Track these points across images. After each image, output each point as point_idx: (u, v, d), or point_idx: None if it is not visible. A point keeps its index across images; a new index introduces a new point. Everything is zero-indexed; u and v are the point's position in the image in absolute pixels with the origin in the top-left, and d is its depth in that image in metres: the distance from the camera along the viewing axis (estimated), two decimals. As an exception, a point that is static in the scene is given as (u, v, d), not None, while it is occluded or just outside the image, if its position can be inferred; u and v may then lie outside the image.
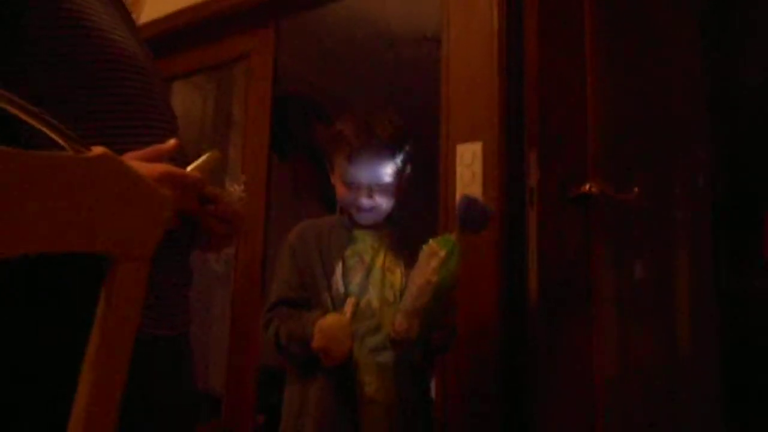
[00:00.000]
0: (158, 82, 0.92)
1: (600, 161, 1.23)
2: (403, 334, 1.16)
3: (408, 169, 1.40)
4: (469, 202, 1.19)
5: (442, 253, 1.12)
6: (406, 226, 1.51)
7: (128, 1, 1.06)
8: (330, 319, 1.23)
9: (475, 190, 1.73)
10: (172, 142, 0.77)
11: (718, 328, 2.12)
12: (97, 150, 0.57)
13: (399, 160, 1.35)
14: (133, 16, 1.07)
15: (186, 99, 3.55)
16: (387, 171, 1.31)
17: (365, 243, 1.39)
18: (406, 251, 1.35)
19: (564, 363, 1.17)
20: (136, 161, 0.70)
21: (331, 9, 2.59)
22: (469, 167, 1.86)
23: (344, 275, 1.34)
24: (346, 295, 1.32)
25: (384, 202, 1.35)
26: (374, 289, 1.33)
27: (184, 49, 2.82)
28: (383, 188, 1.32)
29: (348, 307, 1.25)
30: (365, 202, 1.32)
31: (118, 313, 0.59)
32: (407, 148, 1.38)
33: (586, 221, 1.19)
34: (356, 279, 1.34)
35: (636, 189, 1.18)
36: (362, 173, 1.30)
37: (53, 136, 0.58)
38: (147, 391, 0.78)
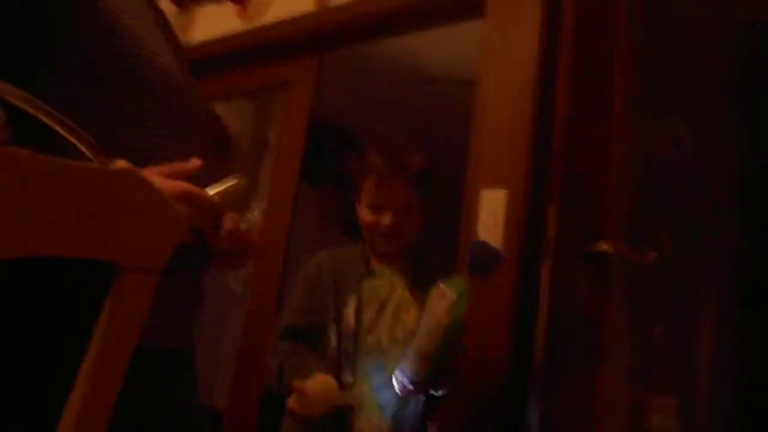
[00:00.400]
0: (192, 99, 0.95)
1: (620, 220, 1.22)
2: (413, 377, 1.15)
3: (429, 204, 1.43)
4: (481, 245, 1.20)
5: (453, 296, 1.12)
6: (426, 266, 1.52)
7: (176, 23, 1.12)
8: (313, 384, 1.22)
9: (497, 237, 1.74)
10: (196, 162, 0.79)
11: (735, 406, 2.05)
12: (120, 164, 0.60)
13: (422, 191, 1.40)
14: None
15: (225, 120, 3.64)
16: (410, 198, 1.36)
17: (383, 278, 1.41)
18: (423, 290, 1.35)
19: (563, 425, 1.15)
20: (157, 176, 0.72)
21: (374, 45, 2.65)
22: (492, 214, 1.87)
23: (358, 309, 1.35)
24: (356, 331, 1.32)
25: (405, 228, 1.37)
26: (385, 326, 1.34)
27: (230, 71, 2.90)
28: (405, 214, 1.37)
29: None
30: (388, 222, 1.36)
31: (120, 322, 0.61)
32: (431, 183, 1.42)
33: (601, 279, 1.18)
34: (369, 314, 1.35)
35: (653, 252, 1.17)
36: (387, 195, 1.35)
37: (82, 147, 0.61)
38: (149, 401, 0.79)
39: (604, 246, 1.15)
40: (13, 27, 0.75)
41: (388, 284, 1.38)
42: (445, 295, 1.13)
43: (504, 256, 1.22)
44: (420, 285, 1.37)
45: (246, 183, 0.89)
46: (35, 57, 0.77)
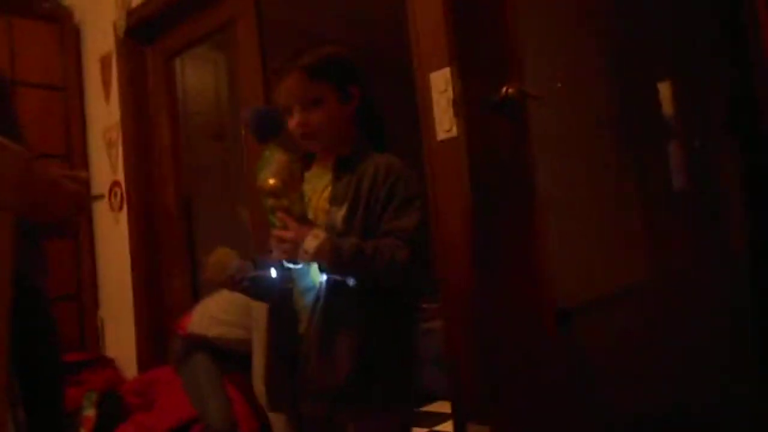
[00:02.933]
0: None
1: (519, 64, 1.21)
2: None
3: (347, 96, 1.36)
4: (261, 111, 1.29)
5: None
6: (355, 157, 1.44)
7: None
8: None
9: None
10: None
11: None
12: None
13: (332, 80, 1.32)
14: None
15: (198, 74, 3.65)
16: (312, 91, 1.30)
17: (309, 182, 1.38)
18: (351, 194, 1.29)
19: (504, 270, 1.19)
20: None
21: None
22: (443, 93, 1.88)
23: None
24: None
25: (316, 122, 1.31)
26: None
27: (182, 20, 2.90)
28: (312, 108, 1.30)
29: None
30: (294, 122, 1.32)
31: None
32: (346, 69, 1.35)
33: (513, 125, 1.19)
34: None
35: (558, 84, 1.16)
36: (285, 93, 1.32)
37: None
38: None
39: (507, 90, 1.14)
40: None
41: (311, 190, 1.37)
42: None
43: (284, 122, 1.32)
44: (340, 182, 1.34)
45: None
46: None
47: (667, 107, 2.08)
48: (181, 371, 2.22)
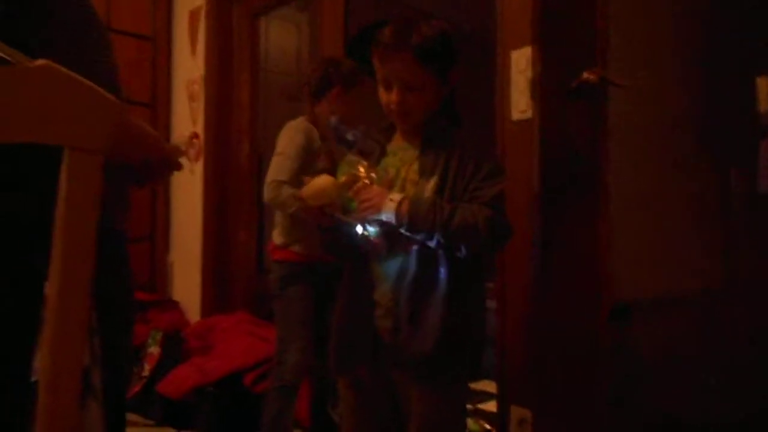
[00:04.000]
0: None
1: (604, 50, 1.17)
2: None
3: (446, 81, 1.36)
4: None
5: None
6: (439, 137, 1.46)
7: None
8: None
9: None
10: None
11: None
12: (40, 62, 0.70)
13: (432, 66, 1.32)
14: None
15: (280, 34, 3.71)
16: (415, 72, 1.29)
17: (396, 155, 1.41)
18: (440, 167, 1.31)
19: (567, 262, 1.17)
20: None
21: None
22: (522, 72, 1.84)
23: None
24: None
25: (414, 104, 1.32)
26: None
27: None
28: (411, 89, 1.31)
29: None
30: (393, 98, 1.33)
31: (77, 199, 0.73)
32: (445, 58, 1.34)
33: (590, 111, 1.16)
34: None
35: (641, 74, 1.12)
36: (390, 71, 1.32)
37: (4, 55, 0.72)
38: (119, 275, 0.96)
39: (587, 76, 1.12)
40: None
41: (398, 162, 1.40)
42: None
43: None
44: (428, 156, 1.35)
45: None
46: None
47: (763, 105, 1.98)
48: (275, 304, 2.10)
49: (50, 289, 0.71)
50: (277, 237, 2.07)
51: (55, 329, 0.70)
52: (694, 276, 1.78)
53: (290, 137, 2.00)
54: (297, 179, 1.82)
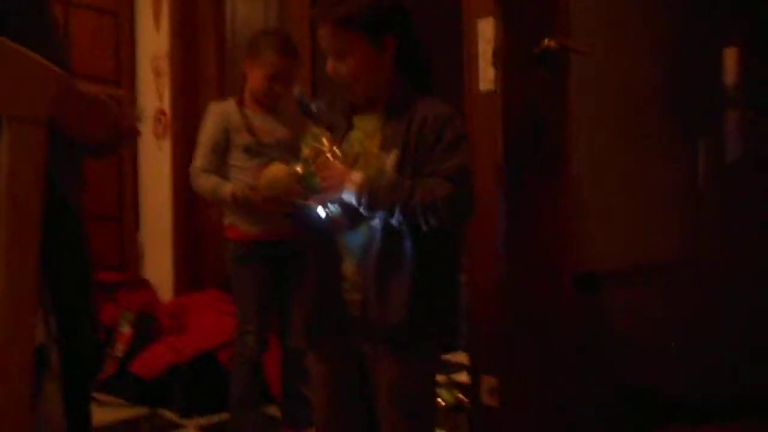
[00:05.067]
0: None
1: (565, 17, 1.17)
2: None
3: (383, 47, 1.33)
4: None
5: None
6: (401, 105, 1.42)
7: None
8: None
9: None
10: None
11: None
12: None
13: (358, 32, 1.29)
14: None
15: (248, 9, 3.63)
16: (341, 39, 1.27)
17: (358, 130, 1.38)
18: (400, 138, 1.27)
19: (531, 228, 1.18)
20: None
21: None
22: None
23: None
24: None
25: (348, 73, 1.30)
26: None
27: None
28: (341, 57, 1.28)
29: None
30: (328, 69, 1.31)
31: (19, 167, 0.70)
32: (376, 24, 1.32)
33: (551, 78, 1.15)
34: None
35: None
36: (321, 41, 1.30)
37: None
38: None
39: (549, 43, 1.11)
40: None
41: (362, 135, 1.37)
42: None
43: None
44: (389, 127, 1.33)
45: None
46: None
47: (730, 75, 1.99)
48: (233, 283, 2.11)
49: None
50: (228, 215, 2.10)
51: (2, 305, 0.68)
52: (664, 246, 1.80)
53: (203, 123, 2.06)
54: (215, 163, 1.97)
